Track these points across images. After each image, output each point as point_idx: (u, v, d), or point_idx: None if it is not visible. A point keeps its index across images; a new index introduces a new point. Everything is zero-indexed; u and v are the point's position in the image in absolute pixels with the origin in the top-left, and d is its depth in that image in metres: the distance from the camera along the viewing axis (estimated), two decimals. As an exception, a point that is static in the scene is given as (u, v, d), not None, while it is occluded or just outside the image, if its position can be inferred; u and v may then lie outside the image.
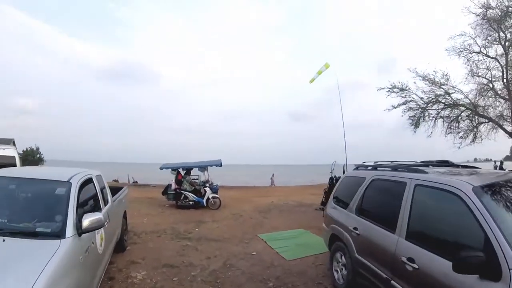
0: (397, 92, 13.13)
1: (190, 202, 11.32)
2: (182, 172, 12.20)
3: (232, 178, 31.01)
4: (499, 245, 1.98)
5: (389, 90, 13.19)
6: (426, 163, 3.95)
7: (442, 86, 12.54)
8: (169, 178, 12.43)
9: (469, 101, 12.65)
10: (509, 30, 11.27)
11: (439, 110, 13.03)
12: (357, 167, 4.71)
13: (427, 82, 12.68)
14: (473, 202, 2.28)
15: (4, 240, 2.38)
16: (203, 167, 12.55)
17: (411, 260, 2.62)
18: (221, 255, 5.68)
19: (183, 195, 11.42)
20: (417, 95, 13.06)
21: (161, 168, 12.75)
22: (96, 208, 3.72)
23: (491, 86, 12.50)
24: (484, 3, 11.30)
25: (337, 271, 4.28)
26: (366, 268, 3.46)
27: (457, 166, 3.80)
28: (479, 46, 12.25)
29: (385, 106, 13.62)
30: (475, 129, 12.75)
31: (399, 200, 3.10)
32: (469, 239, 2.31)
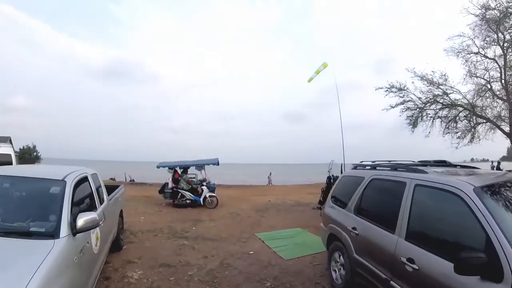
0: (395, 92, 13.14)
1: (187, 201, 11.27)
2: (179, 171, 12.15)
3: (229, 177, 30.98)
4: (501, 246, 1.96)
5: (387, 90, 13.20)
6: (424, 163, 3.93)
7: (440, 86, 12.54)
8: (166, 177, 12.35)
9: (467, 102, 12.68)
10: (508, 31, 11.28)
11: (437, 110, 13.05)
12: (355, 167, 4.69)
13: (425, 82, 12.69)
14: (474, 203, 2.26)
15: None
16: (200, 166, 12.49)
17: (411, 260, 2.60)
18: (218, 255, 5.64)
19: (180, 193, 11.37)
20: (415, 95, 13.08)
21: (158, 167, 12.67)
22: (91, 207, 3.67)
23: (489, 86, 12.55)
24: (484, 4, 11.32)
25: (335, 271, 4.25)
26: (364, 268, 3.43)
27: (455, 166, 3.79)
28: (477, 47, 12.29)
29: (383, 106, 13.64)
30: (473, 130, 12.77)
31: (399, 200, 3.07)
32: (470, 239, 2.28)
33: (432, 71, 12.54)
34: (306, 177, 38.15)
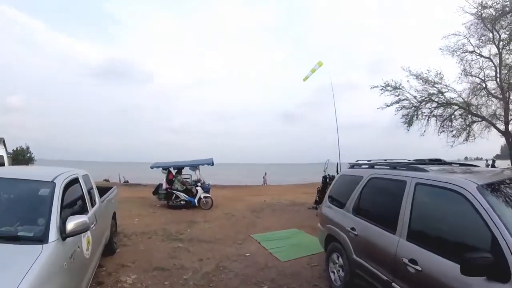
0: (391, 91, 13.18)
1: (182, 202, 11.13)
2: (173, 171, 12.00)
3: (224, 177, 30.90)
4: (507, 245, 1.90)
5: (382, 89, 13.23)
6: (419, 161, 3.89)
7: (436, 85, 12.61)
8: (160, 178, 12.20)
9: (462, 100, 12.76)
10: (504, 30, 11.34)
11: (432, 109, 13.12)
12: (352, 166, 4.61)
13: (421, 80, 12.77)
14: (478, 201, 2.20)
15: None
16: (194, 166, 12.37)
17: (413, 261, 2.53)
18: (213, 257, 5.54)
19: (174, 194, 11.22)
20: (410, 94, 13.14)
21: (151, 167, 12.54)
22: (82, 210, 3.56)
23: (484, 85, 12.62)
24: (480, 2, 11.36)
25: (333, 272, 4.18)
26: (364, 269, 3.35)
27: (450, 164, 3.74)
28: (472, 45, 12.39)
29: (378, 105, 13.67)
30: (468, 128, 12.86)
31: (399, 200, 3.00)
32: (475, 239, 2.22)
33: (428, 70, 12.62)
34: (301, 176, 38.16)
